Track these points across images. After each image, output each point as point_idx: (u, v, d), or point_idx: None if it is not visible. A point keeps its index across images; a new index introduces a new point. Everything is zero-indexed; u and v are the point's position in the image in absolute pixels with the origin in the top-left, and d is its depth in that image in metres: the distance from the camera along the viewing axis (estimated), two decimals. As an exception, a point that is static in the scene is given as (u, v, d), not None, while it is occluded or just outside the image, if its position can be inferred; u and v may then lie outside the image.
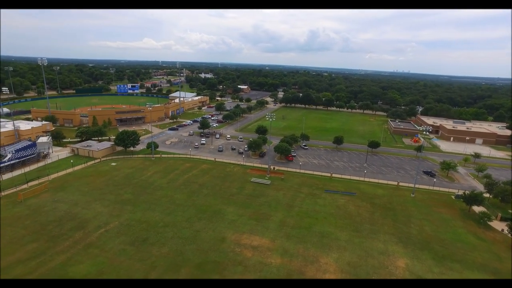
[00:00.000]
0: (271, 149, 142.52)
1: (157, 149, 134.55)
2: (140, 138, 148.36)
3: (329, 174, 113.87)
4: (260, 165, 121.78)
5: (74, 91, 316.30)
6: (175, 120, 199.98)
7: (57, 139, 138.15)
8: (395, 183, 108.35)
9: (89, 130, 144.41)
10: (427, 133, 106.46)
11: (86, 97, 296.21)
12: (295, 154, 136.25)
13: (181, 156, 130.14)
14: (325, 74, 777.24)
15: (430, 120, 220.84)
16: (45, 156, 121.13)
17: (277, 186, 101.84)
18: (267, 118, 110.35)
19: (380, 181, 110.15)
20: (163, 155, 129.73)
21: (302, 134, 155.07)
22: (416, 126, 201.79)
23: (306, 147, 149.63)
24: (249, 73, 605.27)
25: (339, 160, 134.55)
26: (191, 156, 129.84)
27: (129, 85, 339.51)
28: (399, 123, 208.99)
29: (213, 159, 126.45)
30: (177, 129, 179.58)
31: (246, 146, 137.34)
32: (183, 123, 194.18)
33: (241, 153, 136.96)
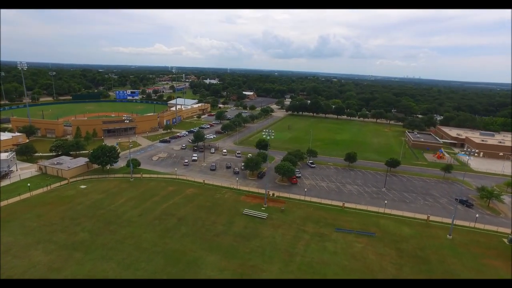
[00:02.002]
0: (272, 167, 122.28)
1: (140, 167, 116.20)
2: (126, 151, 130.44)
3: (340, 204, 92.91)
4: (256, 190, 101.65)
5: (71, 97, 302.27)
6: (169, 130, 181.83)
7: (27, 154, 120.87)
8: (424, 216, 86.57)
9: (65, 143, 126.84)
10: (469, 153, 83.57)
11: (82, 104, 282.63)
12: (299, 175, 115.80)
13: (165, 177, 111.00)
14: (335, 80, 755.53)
15: (452, 132, 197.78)
16: (5, 175, 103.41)
17: (275, 221, 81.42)
18: (264, 135, 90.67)
19: (405, 213, 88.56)
20: (144, 175, 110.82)
21: (309, 150, 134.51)
22: (438, 139, 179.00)
23: (313, 165, 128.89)
24: (256, 78, 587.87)
25: (352, 182, 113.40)
26: (177, 177, 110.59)
27: (129, 91, 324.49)
28: (418, 135, 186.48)
29: (202, 181, 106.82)
30: (169, 142, 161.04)
31: (243, 165, 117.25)
32: (177, 134, 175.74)
33: (236, 173, 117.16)
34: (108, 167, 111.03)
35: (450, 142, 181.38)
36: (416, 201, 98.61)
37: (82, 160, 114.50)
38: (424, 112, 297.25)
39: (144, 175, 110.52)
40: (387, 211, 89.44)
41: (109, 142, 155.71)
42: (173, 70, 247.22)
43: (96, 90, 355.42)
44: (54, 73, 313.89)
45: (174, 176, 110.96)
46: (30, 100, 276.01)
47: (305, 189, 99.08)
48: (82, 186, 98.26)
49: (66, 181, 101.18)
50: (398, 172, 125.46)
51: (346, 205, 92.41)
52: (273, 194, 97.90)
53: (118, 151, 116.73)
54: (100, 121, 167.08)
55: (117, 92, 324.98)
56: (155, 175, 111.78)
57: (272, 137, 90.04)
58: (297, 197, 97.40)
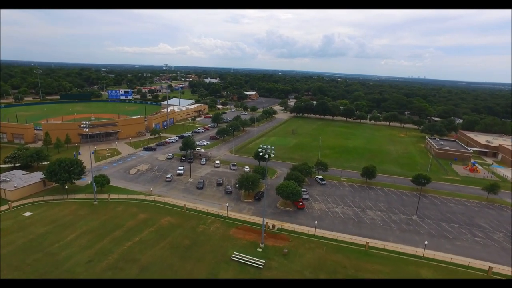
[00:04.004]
0: (273, 184, 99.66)
1: (111, 184, 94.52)
2: (101, 162, 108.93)
3: (362, 242, 69.83)
4: (252, 218, 78.86)
5: (59, 97, 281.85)
6: (156, 135, 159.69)
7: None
8: (483, 265, 62.90)
9: (23, 153, 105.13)
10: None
11: (71, 104, 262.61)
12: (307, 196, 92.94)
13: (139, 198, 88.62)
14: (340, 80, 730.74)
15: (479, 137, 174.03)
16: None
17: (276, 272, 58.62)
18: (260, 153, 67.68)
19: (453, 258, 65.26)
20: (113, 196, 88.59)
21: (318, 162, 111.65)
22: (466, 147, 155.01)
23: (323, 182, 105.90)
24: (259, 78, 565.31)
25: (373, 206, 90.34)
26: (154, 199, 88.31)
27: (122, 91, 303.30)
28: (442, 142, 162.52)
29: (183, 205, 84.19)
30: (154, 149, 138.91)
31: (237, 184, 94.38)
32: (165, 140, 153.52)
33: (229, 193, 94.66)
34: (66, 186, 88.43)
35: (479, 151, 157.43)
36: (461, 236, 75.32)
37: (38, 176, 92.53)
38: (440, 114, 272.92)
39: (112, 196, 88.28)
40: (428, 253, 66.25)
41: (86, 149, 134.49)
42: (164, 68, 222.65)
43: (87, 90, 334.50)
44: (40, 70, 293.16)
45: (151, 197, 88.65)
46: (13, 100, 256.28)
47: (316, 221, 75.73)
48: (27, 214, 76.17)
49: (7, 206, 79.01)
50: (428, 191, 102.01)
51: (371, 243, 69.37)
52: (273, 226, 75.13)
53: (84, 164, 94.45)
54: (76, 125, 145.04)
55: (109, 91, 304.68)
56: (127, 196, 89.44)
57: (272, 155, 67.19)
58: (305, 229, 74.53)
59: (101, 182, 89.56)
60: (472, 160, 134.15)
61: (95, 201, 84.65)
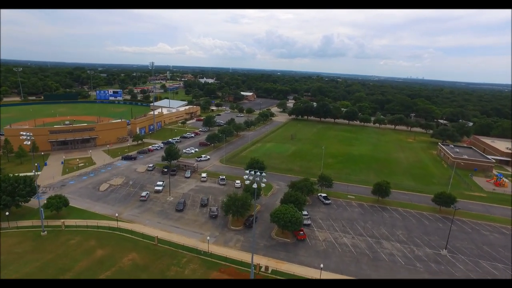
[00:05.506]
0: (268, 205, 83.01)
1: (72, 204, 77.75)
2: (68, 174, 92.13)
3: (383, 293, 53.18)
4: (239, 256, 61.95)
5: (42, 98, 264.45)
6: (139, 141, 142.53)
7: None
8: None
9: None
10: None
11: (55, 105, 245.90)
12: (309, 222, 76.06)
13: (102, 224, 71.57)
14: (339, 80, 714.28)
15: (498, 144, 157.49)
16: None
17: None
18: (247, 181, 51.16)
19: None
20: (69, 223, 71.61)
21: (322, 177, 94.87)
22: (487, 156, 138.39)
23: (328, 201, 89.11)
24: (257, 78, 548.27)
25: (390, 234, 73.60)
26: (119, 226, 71.34)
27: (111, 91, 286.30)
28: (457, 150, 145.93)
29: (155, 236, 67.18)
30: (134, 159, 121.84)
31: (223, 205, 77.02)
32: (149, 147, 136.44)
33: (214, 217, 77.83)
34: (7, 212, 70.95)
35: (500, 159, 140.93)
36: None
37: (-22, 197, 75.26)
38: (448, 117, 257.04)
39: (68, 223, 71.33)
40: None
41: (56, 159, 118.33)
42: (150, 67, 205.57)
43: (74, 90, 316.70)
44: (21, 69, 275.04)
45: (116, 224, 71.69)
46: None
47: (321, 265, 58.46)
48: None
49: None
50: (451, 213, 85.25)
51: (394, 294, 52.61)
52: (266, 268, 58.24)
53: (35, 182, 77.27)
54: (46, 130, 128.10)
55: (97, 92, 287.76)
56: (87, 222, 72.46)
57: (263, 184, 50.77)
58: (307, 272, 57.65)
59: (56, 205, 72.70)
60: (498, 173, 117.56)
61: (43, 231, 67.63)
